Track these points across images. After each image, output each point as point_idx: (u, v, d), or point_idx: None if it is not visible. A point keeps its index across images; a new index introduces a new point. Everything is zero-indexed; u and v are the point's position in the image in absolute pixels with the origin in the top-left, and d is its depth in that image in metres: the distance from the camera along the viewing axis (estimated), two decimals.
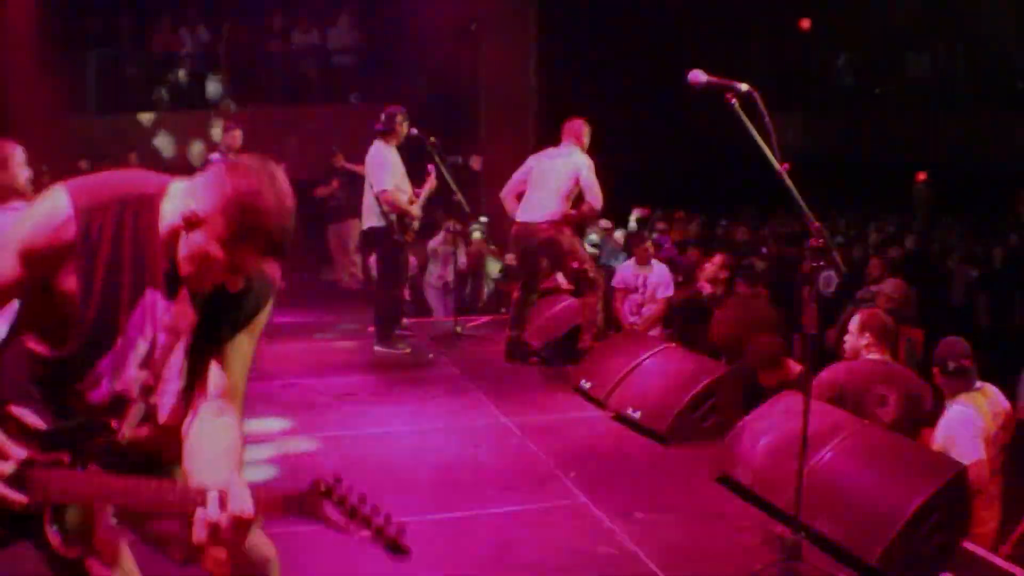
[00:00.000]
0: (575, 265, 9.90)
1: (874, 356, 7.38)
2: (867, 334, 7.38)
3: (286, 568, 5.44)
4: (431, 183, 11.30)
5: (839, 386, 7.13)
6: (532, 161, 10.26)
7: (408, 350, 10.94)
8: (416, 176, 11.24)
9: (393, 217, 10.76)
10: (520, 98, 17.65)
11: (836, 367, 7.44)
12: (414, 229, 11.07)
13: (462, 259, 14.40)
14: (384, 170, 10.68)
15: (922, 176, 27.25)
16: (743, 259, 13.19)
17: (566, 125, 10.16)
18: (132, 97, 19.50)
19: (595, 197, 9.79)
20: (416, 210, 10.95)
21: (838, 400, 7.03)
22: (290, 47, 20.76)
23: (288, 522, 3.06)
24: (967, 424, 6.71)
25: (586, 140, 10.08)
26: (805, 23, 29.17)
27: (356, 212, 11.29)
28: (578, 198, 9.95)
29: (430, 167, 11.31)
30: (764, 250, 15.50)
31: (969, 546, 5.90)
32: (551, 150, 10.20)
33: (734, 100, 5.45)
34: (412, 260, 12.55)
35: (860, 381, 7.22)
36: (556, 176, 9.91)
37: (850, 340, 7.51)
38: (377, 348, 10.95)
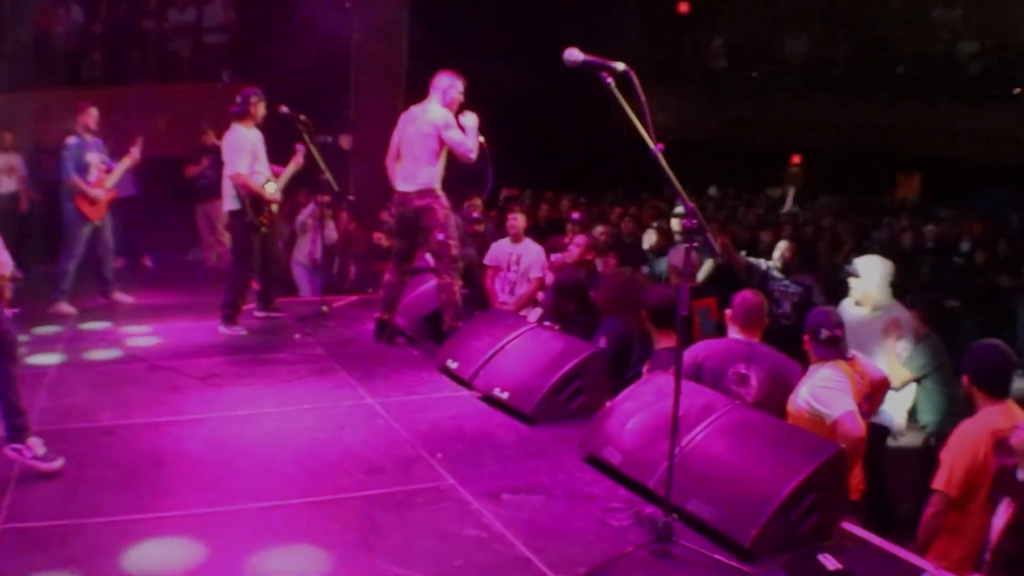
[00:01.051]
0: (440, 237, 9.62)
1: (735, 335, 7.28)
2: (730, 311, 7.31)
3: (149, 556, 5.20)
4: (296, 162, 11.06)
5: (697, 364, 7.01)
6: (400, 124, 9.96)
7: (246, 332, 10.67)
8: (286, 155, 11.10)
9: (246, 199, 10.56)
10: (391, 78, 17.44)
11: (696, 346, 7.31)
12: (271, 211, 10.84)
13: (331, 235, 14.08)
14: (236, 153, 10.53)
15: (796, 159, 27.45)
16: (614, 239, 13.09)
17: (434, 77, 9.85)
18: (8, 75, 18.88)
19: (463, 153, 9.51)
20: (273, 191, 10.78)
21: (696, 378, 6.93)
22: (164, 25, 20.22)
23: None
24: (833, 381, 6.60)
25: (452, 94, 9.72)
26: (683, 6, 29.16)
27: (222, 192, 10.92)
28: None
29: (297, 146, 11.05)
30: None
31: (847, 526, 5.77)
32: (415, 107, 9.89)
33: (610, 79, 5.32)
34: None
35: (718, 360, 7.12)
36: (418, 142, 9.66)
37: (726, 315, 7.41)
38: (221, 329, 10.65)
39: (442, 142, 9.57)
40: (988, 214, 22.99)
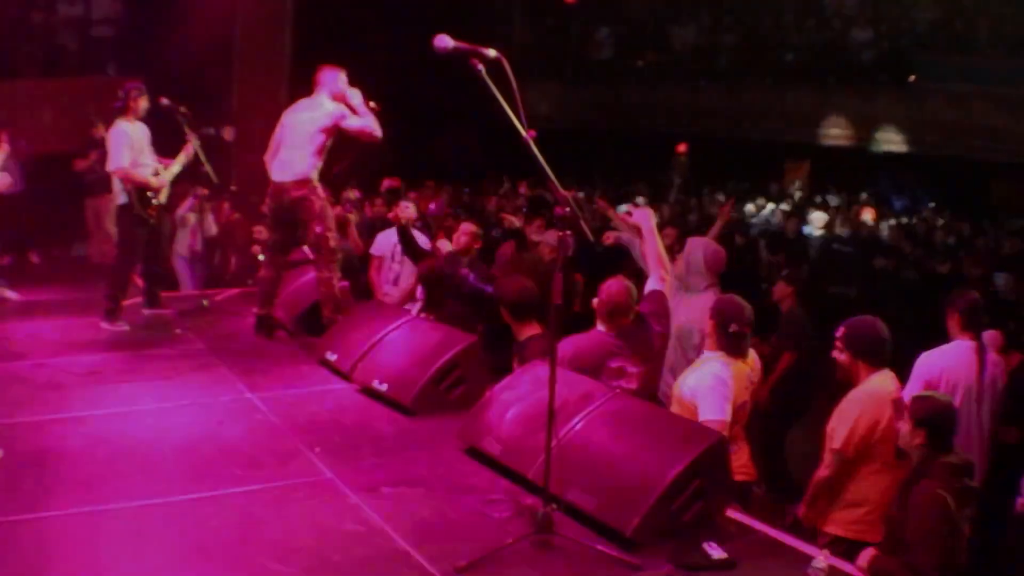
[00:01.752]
0: (318, 229, 9.45)
1: (602, 328, 7.10)
2: (597, 304, 7.10)
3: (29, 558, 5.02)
4: (187, 153, 10.83)
5: (567, 361, 6.80)
6: (285, 117, 9.84)
7: (127, 328, 10.37)
8: (173, 147, 10.83)
9: (132, 193, 10.34)
10: (274, 69, 17.32)
11: (567, 340, 7.10)
12: (159, 202, 10.56)
13: (211, 227, 13.84)
14: (117, 148, 10.29)
15: (682, 147, 27.54)
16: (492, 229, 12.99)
17: (317, 73, 9.71)
18: None
19: (369, 133, 9.40)
20: (159, 181, 10.51)
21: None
22: (52, 18, 19.80)
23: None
24: (718, 382, 6.48)
25: (340, 86, 9.57)
26: None
27: (111, 187, 10.69)
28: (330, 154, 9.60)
29: (188, 137, 10.79)
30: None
31: (733, 514, 5.74)
32: (302, 102, 9.76)
33: (481, 66, 5.19)
34: None
35: (590, 355, 6.94)
36: (304, 131, 9.49)
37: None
38: (104, 325, 10.35)
39: (329, 136, 9.45)
40: (874, 200, 23.36)
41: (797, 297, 10.66)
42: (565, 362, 6.70)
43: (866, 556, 5.60)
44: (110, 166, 10.38)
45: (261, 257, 10.80)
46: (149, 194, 10.38)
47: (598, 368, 6.79)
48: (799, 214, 18.90)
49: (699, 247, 8.86)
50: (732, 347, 6.67)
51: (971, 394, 7.46)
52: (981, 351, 7.60)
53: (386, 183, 14.95)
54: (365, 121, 9.39)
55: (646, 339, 7.04)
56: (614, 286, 7.10)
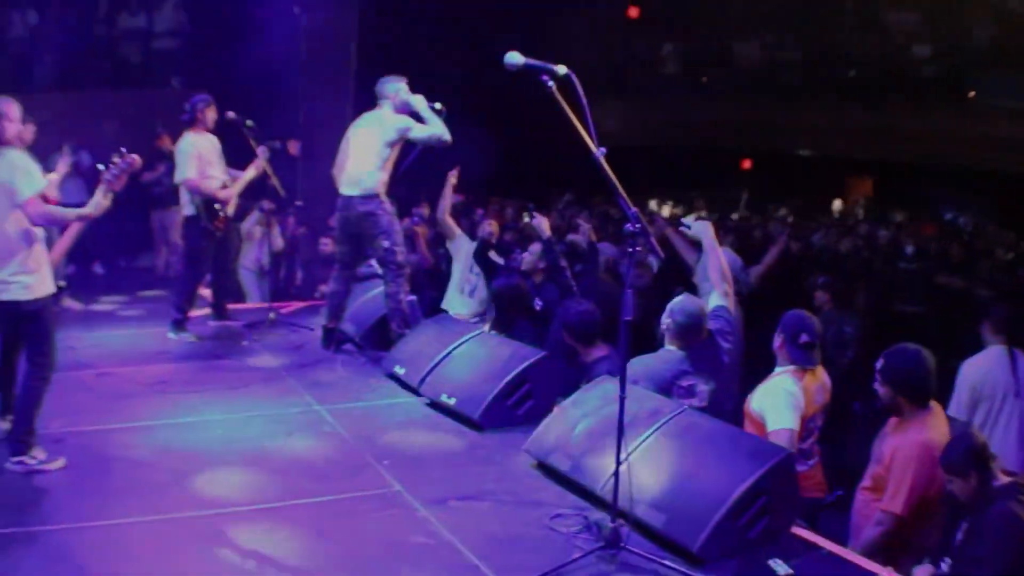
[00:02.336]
0: (385, 244, 9.51)
1: (671, 346, 7.11)
2: (668, 321, 7.10)
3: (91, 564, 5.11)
4: (255, 166, 10.94)
5: (640, 379, 6.83)
6: (350, 131, 9.91)
7: (194, 339, 10.53)
8: (240, 161, 10.95)
9: (200, 205, 10.47)
10: (339, 82, 17.38)
11: (636, 361, 7.10)
12: (227, 215, 10.67)
13: (277, 241, 13.96)
14: (185, 159, 10.43)
15: (747, 163, 27.45)
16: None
17: (377, 86, 9.79)
18: None
19: (439, 139, 9.42)
20: (226, 194, 10.63)
21: None
22: (115, 30, 20.01)
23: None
24: (790, 397, 6.47)
25: (399, 96, 9.65)
26: (633, 11, 29.06)
27: (179, 200, 10.82)
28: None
29: (260, 150, 10.92)
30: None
31: (799, 531, 5.73)
32: (366, 115, 9.84)
33: (551, 83, 5.21)
34: None
35: (658, 376, 6.94)
36: (370, 146, 9.56)
37: (662, 324, 7.23)
38: (170, 336, 10.51)
39: (394, 149, 9.53)
40: (940, 218, 23.20)
41: (834, 302, 11.13)
42: (636, 381, 6.74)
43: (924, 572, 5.59)
44: (178, 178, 10.52)
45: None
46: (216, 206, 10.49)
47: (669, 386, 6.81)
48: (854, 232, 18.79)
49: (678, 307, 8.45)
50: (802, 358, 6.66)
51: (1010, 391, 7.82)
52: (1011, 352, 7.97)
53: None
54: (432, 129, 9.43)
55: (715, 356, 7.06)
56: (687, 304, 7.12)
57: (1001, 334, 8.18)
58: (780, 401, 6.47)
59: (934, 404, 6.20)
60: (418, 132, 9.44)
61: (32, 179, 6.53)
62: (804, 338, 6.65)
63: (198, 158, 10.39)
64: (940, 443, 5.87)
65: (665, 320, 7.12)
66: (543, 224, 9.98)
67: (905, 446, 5.97)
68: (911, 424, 6.07)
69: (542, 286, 9.92)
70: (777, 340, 6.79)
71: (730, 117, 27.74)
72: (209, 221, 10.46)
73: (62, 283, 11.41)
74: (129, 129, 17.23)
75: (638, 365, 6.99)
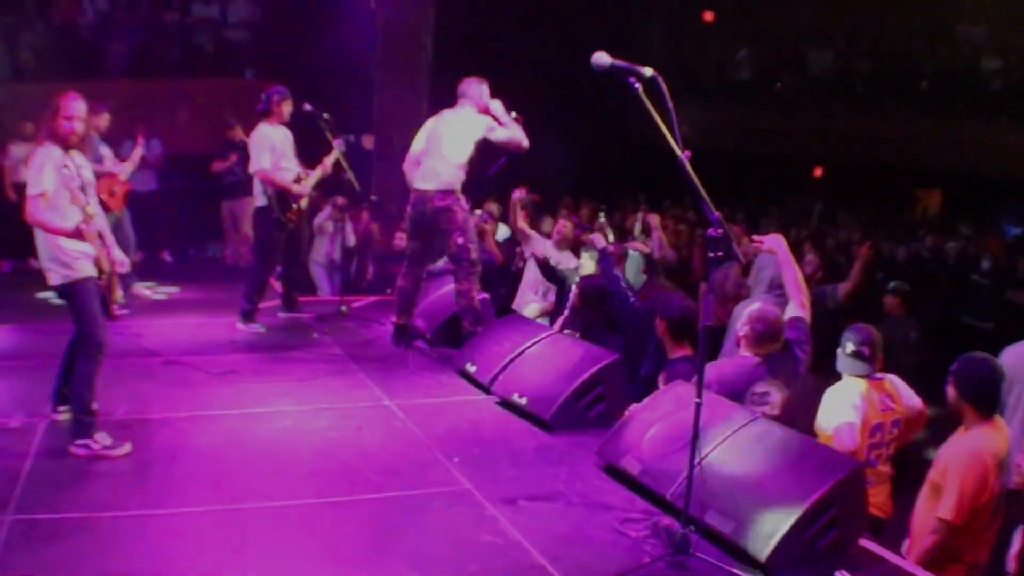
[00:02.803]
0: (459, 240, 9.54)
1: (746, 352, 7.11)
2: (747, 328, 7.09)
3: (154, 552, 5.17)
4: (330, 159, 11.06)
5: (713, 384, 6.82)
6: (427, 126, 9.94)
7: (263, 330, 10.65)
8: (314, 154, 11.05)
9: (272, 196, 10.54)
10: (414, 78, 17.44)
11: (710, 366, 7.09)
12: (300, 207, 10.76)
13: (349, 236, 14.04)
14: (259, 150, 10.53)
15: (818, 172, 27.29)
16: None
17: (460, 85, 9.83)
18: (32, 66, 18.84)
19: (517, 145, 9.52)
20: (301, 188, 10.71)
21: None
22: (187, 19, 20.17)
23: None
24: (844, 395, 6.54)
25: (484, 100, 9.70)
26: (708, 15, 28.93)
27: (251, 189, 10.89)
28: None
29: (336, 142, 11.03)
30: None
31: (866, 543, 5.71)
32: (446, 112, 9.84)
33: (638, 84, 5.21)
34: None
35: (732, 382, 6.95)
36: (452, 142, 9.58)
37: (739, 331, 7.23)
38: (239, 326, 10.63)
39: (476, 149, 9.54)
40: (1003, 233, 22.94)
41: (905, 306, 11.66)
42: (710, 386, 6.74)
43: None
44: (252, 168, 10.61)
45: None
46: (289, 199, 10.58)
47: (742, 393, 6.80)
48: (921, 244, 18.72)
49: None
50: (853, 366, 6.70)
51: None
52: None
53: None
54: (511, 132, 9.48)
55: (791, 366, 7.05)
56: (767, 312, 7.13)
57: None
58: (831, 401, 6.57)
59: (999, 419, 6.19)
60: (500, 133, 9.49)
61: (38, 179, 6.62)
62: (850, 348, 6.72)
63: (272, 149, 10.48)
64: (996, 455, 5.91)
65: (743, 327, 7.11)
66: (598, 238, 10.07)
67: (959, 454, 5.99)
68: (971, 432, 6.06)
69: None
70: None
71: (802, 125, 27.58)
72: (282, 213, 10.54)
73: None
74: (201, 118, 17.42)
75: (712, 370, 6.98)
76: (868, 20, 27.52)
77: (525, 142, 9.50)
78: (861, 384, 6.63)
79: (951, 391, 6.16)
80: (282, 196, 10.56)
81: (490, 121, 9.55)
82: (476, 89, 9.70)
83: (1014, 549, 6.03)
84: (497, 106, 9.61)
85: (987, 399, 6.07)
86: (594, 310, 9.39)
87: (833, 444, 6.26)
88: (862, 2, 27.04)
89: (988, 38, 25.71)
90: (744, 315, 7.23)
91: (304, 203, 10.84)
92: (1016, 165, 23.44)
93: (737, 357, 7.20)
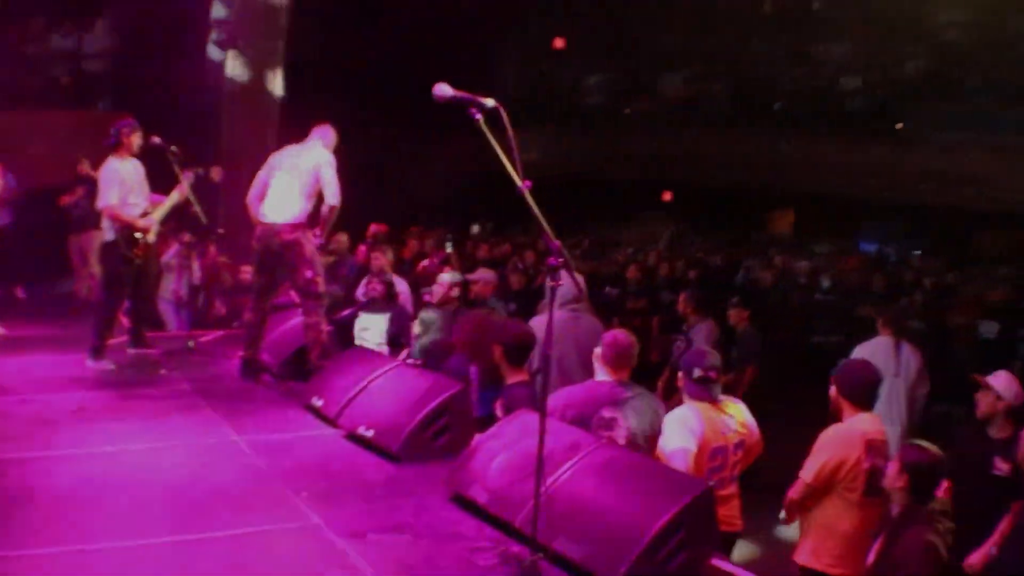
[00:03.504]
0: (308, 275, 9.51)
1: (602, 376, 7.13)
2: (599, 351, 7.14)
3: None
4: (180, 191, 10.87)
5: (558, 410, 6.87)
6: (274, 159, 9.87)
7: (113, 367, 10.38)
8: (164, 186, 10.89)
9: (119, 232, 10.38)
10: (264, 111, 17.35)
11: (559, 392, 7.18)
12: (146, 242, 10.55)
13: (196, 273, 13.89)
14: (107, 185, 10.34)
15: (668, 195, 27.60)
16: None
17: (315, 127, 9.86)
18: None
19: (333, 194, 9.43)
20: (147, 222, 10.51)
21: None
22: (46, 50, 19.84)
23: None
24: (683, 421, 6.70)
25: (331, 142, 9.77)
26: (559, 42, 29.13)
27: (99, 223, 10.72)
28: (320, 199, 9.60)
29: (184, 175, 10.87)
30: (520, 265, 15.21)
31: (718, 562, 5.78)
32: (293, 147, 9.84)
33: (479, 115, 5.24)
34: None
35: (580, 404, 6.97)
36: (298, 174, 9.54)
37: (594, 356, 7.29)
38: (89, 363, 10.36)
39: (319, 183, 9.49)
40: (864, 250, 23.46)
41: (751, 320, 12.54)
42: (557, 410, 6.79)
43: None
44: (99, 203, 10.40)
45: None
46: (136, 234, 10.39)
47: (588, 417, 6.83)
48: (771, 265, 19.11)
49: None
50: (699, 392, 6.87)
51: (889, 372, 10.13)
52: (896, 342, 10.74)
53: (372, 228, 15.04)
54: (335, 185, 9.48)
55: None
56: (619, 335, 7.21)
57: (888, 327, 10.79)
58: (669, 429, 6.73)
59: (871, 414, 6.86)
60: (329, 172, 9.52)
61: None
62: (697, 373, 6.92)
63: (120, 184, 10.29)
64: (865, 435, 6.61)
65: (597, 350, 7.17)
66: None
67: (831, 433, 6.75)
68: (846, 421, 6.78)
69: (457, 314, 9.91)
70: (679, 377, 7.10)
71: (653, 149, 27.91)
72: (128, 249, 10.35)
73: None
74: (54, 151, 17.09)
75: (563, 395, 7.13)
76: (726, 42, 27.94)
77: (336, 203, 9.49)
78: (703, 408, 6.74)
79: (831, 389, 6.85)
80: (128, 232, 10.36)
81: (331, 158, 9.56)
82: (328, 131, 9.78)
83: (997, 534, 6.34)
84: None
85: (863, 394, 6.79)
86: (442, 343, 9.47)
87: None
88: (720, 24, 27.42)
89: (848, 57, 26.23)
90: (601, 339, 7.30)
91: (151, 237, 10.64)
92: (873, 183, 24.01)
93: (591, 381, 7.23)
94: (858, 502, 6.50)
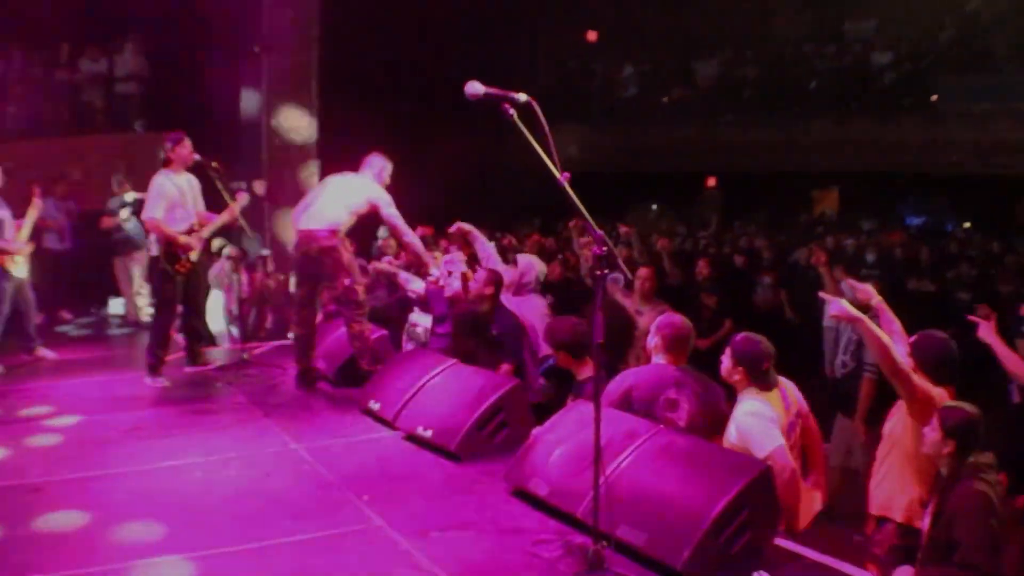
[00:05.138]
0: (346, 282, 9.58)
1: (660, 360, 7.15)
2: (657, 337, 7.16)
3: None
4: (230, 213, 10.93)
5: (626, 392, 6.90)
6: (328, 180, 10.01)
7: (169, 384, 10.46)
8: (210, 202, 10.98)
9: (162, 247, 10.48)
10: (303, 120, 17.43)
11: (625, 374, 7.22)
12: (189, 259, 10.60)
13: (244, 287, 13.99)
14: (152, 199, 10.42)
15: (711, 181, 27.48)
16: None
17: (368, 157, 9.97)
18: None
19: (405, 232, 9.74)
20: (190, 240, 10.55)
21: (626, 406, 6.82)
22: (76, 76, 19.96)
23: None
24: (759, 416, 6.45)
25: (384, 172, 9.91)
26: (591, 35, 29.08)
27: (143, 243, 10.79)
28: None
29: (239, 194, 11.02)
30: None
31: (781, 542, 5.80)
32: (348, 174, 9.95)
33: (512, 111, 5.25)
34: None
35: (648, 387, 6.98)
36: (348, 191, 9.67)
37: (649, 342, 7.29)
38: (146, 381, 10.46)
39: (368, 210, 9.65)
40: (912, 226, 23.32)
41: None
42: (623, 392, 6.82)
43: (904, 573, 5.72)
44: (144, 216, 10.54)
45: None
46: (179, 251, 10.48)
47: (653, 399, 6.84)
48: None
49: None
50: (756, 383, 6.67)
51: None
52: None
53: (419, 231, 15.09)
54: (411, 238, 9.80)
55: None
56: (675, 320, 7.25)
57: None
58: (754, 424, 6.46)
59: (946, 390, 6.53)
60: (393, 211, 9.69)
61: None
62: (763, 364, 6.71)
63: (165, 198, 10.36)
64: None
65: (652, 337, 7.20)
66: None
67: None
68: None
69: (495, 312, 9.92)
70: (730, 368, 6.78)
71: (693, 136, 27.80)
72: (169, 264, 10.44)
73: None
74: (93, 175, 17.23)
75: (631, 375, 7.16)
76: (754, 26, 27.76)
77: (418, 245, 9.83)
78: (771, 397, 6.68)
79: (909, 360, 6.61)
80: (169, 247, 10.44)
81: (388, 198, 9.69)
82: (380, 162, 9.90)
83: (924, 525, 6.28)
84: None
85: (943, 368, 6.61)
86: (471, 339, 9.48)
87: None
88: (747, 8, 27.26)
89: (877, 33, 26.03)
90: (653, 325, 7.33)
91: (194, 255, 10.68)
92: (911, 157, 23.82)
93: (654, 364, 7.24)
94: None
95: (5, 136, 18.08)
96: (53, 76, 19.64)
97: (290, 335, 11.84)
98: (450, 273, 10.06)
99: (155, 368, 10.50)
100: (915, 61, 24.91)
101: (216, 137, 14.23)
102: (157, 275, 10.67)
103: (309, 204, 9.78)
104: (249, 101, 18.29)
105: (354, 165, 9.99)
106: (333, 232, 9.53)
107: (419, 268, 9.81)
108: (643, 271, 10.68)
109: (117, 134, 19.25)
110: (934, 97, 24.11)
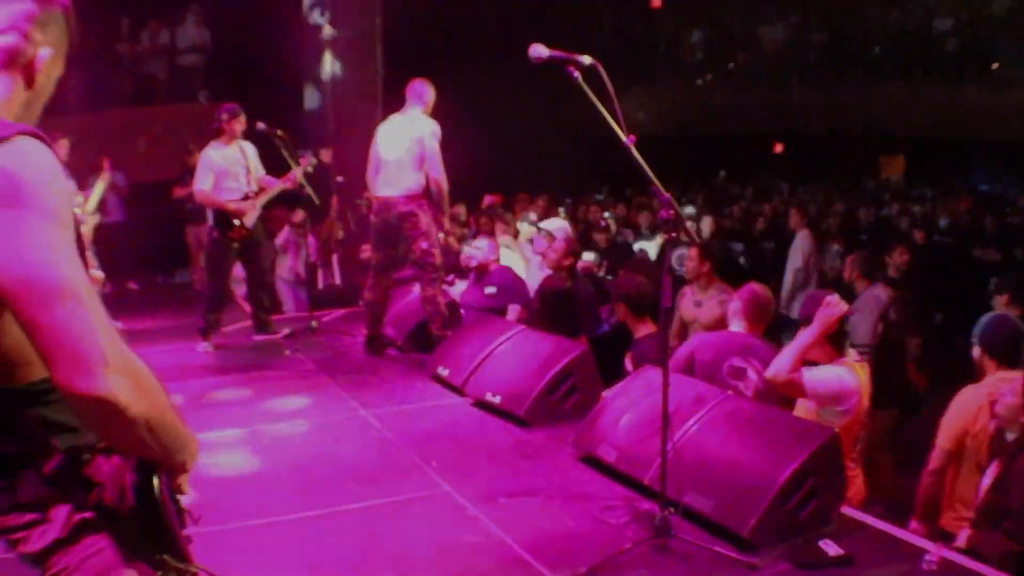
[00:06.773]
0: (423, 245, 9.59)
1: (736, 328, 7.17)
2: (737, 302, 7.18)
3: None
4: (285, 181, 10.99)
5: (690, 356, 6.92)
6: (380, 133, 9.95)
7: (212, 348, 10.70)
8: (275, 171, 11.06)
9: (214, 216, 10.70)
10: (367, 88, 17.44)
11: (692, 339, 7.25)
12: (242, 225, 10.66)
13: (311, 252, 14.07)
14: (201, 171, 10.56)
15: (779, 147, 27.37)
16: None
17: (408, 87, 9.87)
18: None
19: (436, 167, 9.51)
20: (241, 206, 10.61)
21: (688, 370, 6.90)
22: (138, 48, 20.14)
23: None
24: (836, 375, 6.33)
25: (430, 100, 9.77)
26: (656, 1, 28.96)
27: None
28: None
29: (303, 160, 11.12)
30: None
31: (848, 510, 5.77)
32: (395, 116, 9.89)
33: (577, 73, 5.24)
34: None
35: (712, 352, 7.00)
36: (403, 145, 9.61)
37: (731, 307, 7.33)
38: (199, 346, 10.70)
39: (425, 149, 9.53)
40: (978, 191, 23.11)
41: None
42: (686, 356, 6.85)
43: (964, 535, 5.68)
44: (193, 188, 10.75)
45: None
46: (233, 219, 10.58)
47: (716, 364, 6.86)
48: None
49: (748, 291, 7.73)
50: (837, 349, 6.57)
51: None
52: None
53: (487, 199, 15.11)
54: (438, 158, 9.56)
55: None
56: (757, 288, 7.30)
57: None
58: (830, 384, 6.37)
59: (1019, 371, 6.33)
60: (431, 150, 9.58)
61: None
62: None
63: (213, 169, 10.48)
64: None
65: (734, 302, 7.27)
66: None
67: (964, 393, 6.48)
68: (985, 379, 6.50)
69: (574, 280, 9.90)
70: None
71: (759, 101, 27.68)
72: (222, 232, 10.59)
73: None
74: (158, 146, 17.42)
75: (696, 340, 7.31)
76: None
77: (443, 181, 9.57)
78: (858, 369, 6.58)
79: (974, 349, 6.63)
80: (221, 216, 10.59)
81: (435, 126, 9.60)
82: (422, 89, 9.75)
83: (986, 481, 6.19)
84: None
85: (1009, 353, 6.49)
86: (555, 311, 9.51)
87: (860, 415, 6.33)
88: None
89: None
90: (738, 292, 7.42)
91: (249, 221, 10.72)
92: (975, 123, 23.59)
93: (726, 330, 7.28)
94: (973, 471, 6.20)
95: (68, 108, 18.28)
96: (114, 49, 19.80)
97: (360, 300, 11.91)
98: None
99: (206, 332, 10.71)
100: (976, 26, 24.67)
101: (281, 106, 14.30)
102: (211, 242, 10.87)
103: (379, 167, 9.80)
104: (313, 70, 18.37)
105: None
106: (410, 198, 9.58)
107: (434, 215, 9.74)
108: (692, 251, 10.13)
109: (181, 105, 19.41)
110: (995, 64, 23.87)
